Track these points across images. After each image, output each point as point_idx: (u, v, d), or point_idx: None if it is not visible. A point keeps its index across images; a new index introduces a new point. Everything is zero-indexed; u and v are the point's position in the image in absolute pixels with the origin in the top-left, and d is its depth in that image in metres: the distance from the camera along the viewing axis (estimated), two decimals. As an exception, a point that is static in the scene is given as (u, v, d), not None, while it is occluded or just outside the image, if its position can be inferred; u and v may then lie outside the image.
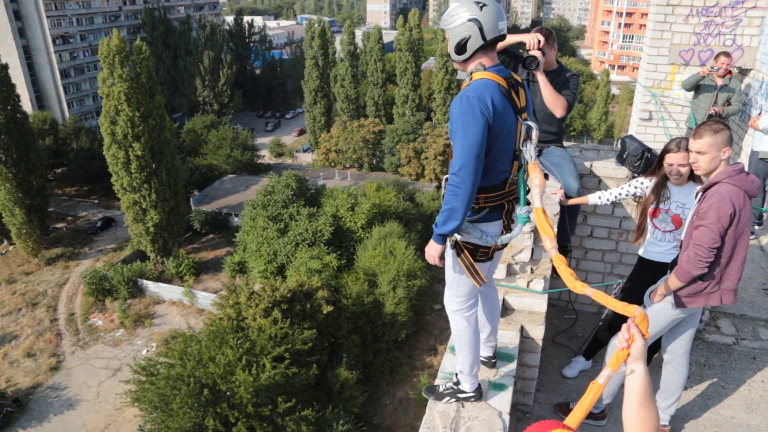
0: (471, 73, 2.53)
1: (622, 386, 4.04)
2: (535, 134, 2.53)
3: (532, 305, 3.67)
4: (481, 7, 2.43)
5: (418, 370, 24.74)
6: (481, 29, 2.43)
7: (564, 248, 4.32)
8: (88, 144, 46.80)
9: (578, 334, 4.81)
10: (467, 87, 2.47)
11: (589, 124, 57.65)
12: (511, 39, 4.08)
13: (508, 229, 2.67)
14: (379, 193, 33.14)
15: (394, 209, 31.91)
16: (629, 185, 3.91)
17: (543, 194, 2.52)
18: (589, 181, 4.63)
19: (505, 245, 2.73)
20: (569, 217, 4.26)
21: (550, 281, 3.76)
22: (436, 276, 30.00)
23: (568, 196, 4.05)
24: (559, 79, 4.22)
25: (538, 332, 3.60)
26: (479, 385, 2.98)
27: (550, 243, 2.46)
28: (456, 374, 3.00)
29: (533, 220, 2.55)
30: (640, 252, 3.85)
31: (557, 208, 3.73)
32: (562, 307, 5.20)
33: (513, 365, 3.25)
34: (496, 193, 2.54)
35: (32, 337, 29.37)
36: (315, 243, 28.54)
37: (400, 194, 34.36)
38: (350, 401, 20.16)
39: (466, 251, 2.58)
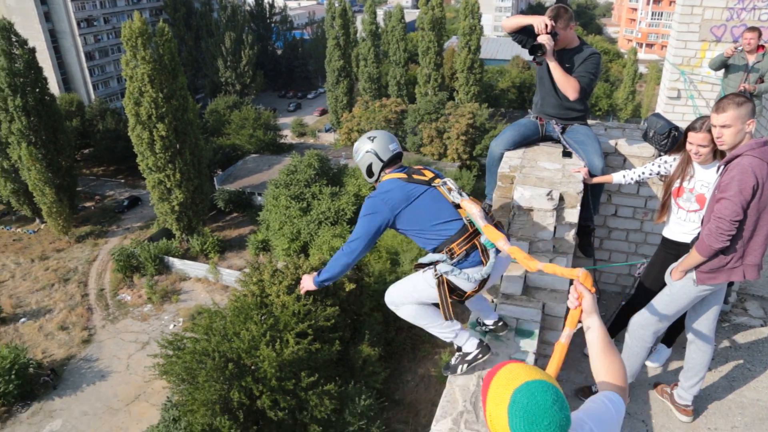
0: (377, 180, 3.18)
1: (644, 368, 4.07)
2: (451, 185, 3.01)
3: (554, 283, 3.69)
4: (372, 140, 3.14)
5: (440, 348, 24.92)
6: (377, 155, 3.11)
7: (586, 228, 4.31)
8: (114, 125, 47.50)
9: (601, 313, 4.82)
10: (376, 189, 3.11)
11: (615, 103, 56.49)
12: (522, 20, 4.03)
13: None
14: (401, 172, 33.01)
15: (417, 189, 31.78)
16: (653, 164, 3.87)
17: (482, 215, 2.85)
18: (614, 160, 4.59)
19: (486, 279, 2.96)
20: (593, 196, 4.23)
21: (572, 260, 3.77)
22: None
23: (592, 175, 4.03)
24: (578, 58, 4.15)
25: (560, 310, 3.62)
26: (480, 339, 3.07)
27: (503, 242, 2.76)
28: (457, 346, 3.12)
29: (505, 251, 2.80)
30: (664, 232, 3.82)
31: (580, 187, 3.72)
32: (584, 286, 5.20)
33: (534, 342, 3.29)
34: (462, 238, 2.88)
35: (65, 311, 30.30)
36: (337, 222, 28.73)
37: (422, 174, 34.19)
38: (372, 377, 20.44)
39: (446, 287, 2.89)
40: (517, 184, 3.63)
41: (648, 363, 4.17)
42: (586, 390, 3.88)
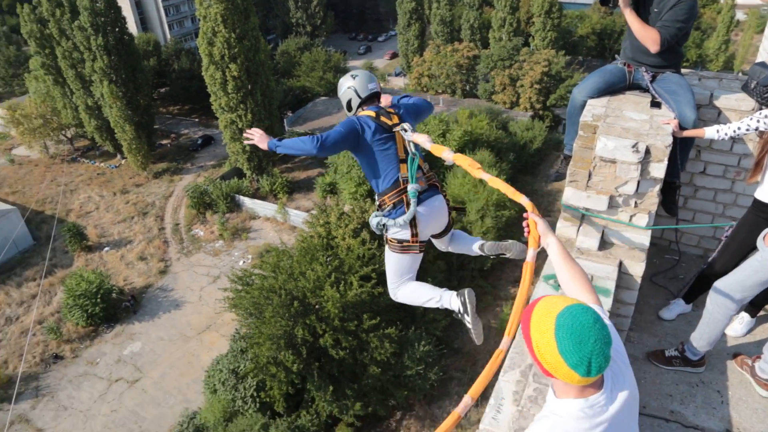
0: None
1: (723, 336, 3.85)
2: (407, 126, 3.33)
3: (633, 241, 3.51)
4: (354, 77, 3.57)
5: (501, 300, 24.88)
6: (356, 91, 3.54)
7: (672, 184, 4.04)
8: (188, 65, 48.63)
9: (679, 276, 4.58)
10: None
11: (705, 54, 52.19)
12: None
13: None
14: (471, 120, 32.35)
15: (486, 137, 31.14)
16: (752, 118, 3.54)
17: (429, 139, 3.23)
18: (708, 113, 4.23)
19: (415, 232, 3.36)
20: (681, 150, 3.93)
21: (654, 218, 3.56)
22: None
23: (682, 127, 3.73)
24: (668, 2, 3.81)
25: (637, 269, 3.46)
26: (456, 292, 3.44)
27: (447, 153, 3.08)
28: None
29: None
30: (757, 193, 3.53)
31: (669, 140, 3.45)
32: (663, 246, 4.95)
33: (609, 300, 3.17)
34: (392, 192, 3.32)
35: (143, 242, 32.25)
36: (403, 168, 28.61)
37: (493, 122, 33.36)
38: (432, 324, 20.72)
39: (395, 242, 3.37)
40: (600, 135, 3.42)
41: (728, 332, 3.95)
42: (659, 354, 3.74)
